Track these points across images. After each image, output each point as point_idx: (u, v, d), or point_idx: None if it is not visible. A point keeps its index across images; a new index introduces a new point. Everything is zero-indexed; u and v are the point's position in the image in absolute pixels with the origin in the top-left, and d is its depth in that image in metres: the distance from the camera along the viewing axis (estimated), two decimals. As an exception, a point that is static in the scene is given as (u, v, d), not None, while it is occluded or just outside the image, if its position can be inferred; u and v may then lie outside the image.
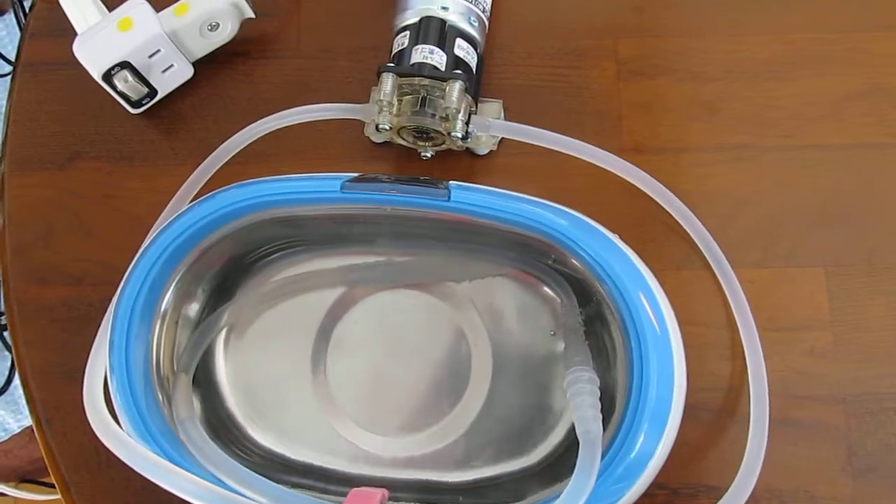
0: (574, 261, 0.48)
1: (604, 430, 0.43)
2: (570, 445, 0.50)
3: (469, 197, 0.47)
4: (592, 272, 0.46)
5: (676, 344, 0.44)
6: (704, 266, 0.54)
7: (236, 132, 0.55)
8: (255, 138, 0.55)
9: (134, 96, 0.57)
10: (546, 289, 0.53)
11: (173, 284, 0.49)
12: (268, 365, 0.53)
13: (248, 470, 0.44)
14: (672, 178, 0.53)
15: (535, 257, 0.51)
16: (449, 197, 0.47)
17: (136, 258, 0.48)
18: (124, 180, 0.59)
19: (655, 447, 0.43)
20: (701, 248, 0.53)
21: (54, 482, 0.55)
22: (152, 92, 0.58)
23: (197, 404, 0.51)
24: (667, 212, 0.53)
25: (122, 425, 0.46)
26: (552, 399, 0.52)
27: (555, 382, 0.52)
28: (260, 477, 0.43)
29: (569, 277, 0.50)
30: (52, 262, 0.58)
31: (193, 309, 0.52)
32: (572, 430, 0.48)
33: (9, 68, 0.65)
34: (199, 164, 0.55)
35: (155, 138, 0.60)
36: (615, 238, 0.47)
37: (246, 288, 0.54)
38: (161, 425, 0.46)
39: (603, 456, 0.42)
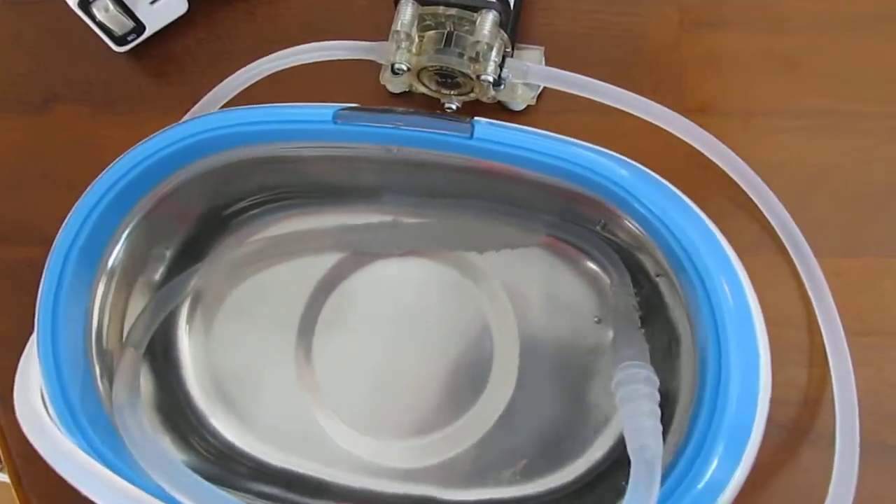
0: (631, 226, 0.36)
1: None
2: (616, 463, 0.40)
3: (497, 134, 0.35)
4: (658, 242, 0.34)
5: (763, 344, 0.34)
6: (780, 251, 0.44)
7: (233, 77, 0.47)
8: (252, 82, 0.46)
9: (117, 30, 0.49)
10: (591, 263, 0.42)
11: (124, 235, 0.39)
12: (241, 344, 0.44)
13: (192, 474, 0.33)
14: (742, 146, 0.44)
15: (579, 222, 0.40)
16: (472, 133, 0.35)
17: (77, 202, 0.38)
18: (105, 128, 0.52)
19: (731, 474, 0.33)
20: (776, 229, 0.44)
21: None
22: (139, 27, 0.50)
23: (150, 384, 0.42)
24: (736, 185, 0.44)
25: (48, 408, 0.36)
26: (593, 402, 0.41)
27: (597, 381, 0.42)
28: (208, 486, 0.33)
29: (621, 249, 0.40)
30: (18, 219, 0.50)
31: (155, 271, 0.42)
32: (619, 443, 0.40)
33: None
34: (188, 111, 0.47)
35: (142, 82, 0.52)
36: (688, 199, 0.36)
37: (220, 248, 0.44)
38: (94, 409, 0.36)
39: (662, 481, 0.32)
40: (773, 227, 0.44)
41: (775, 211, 0.44)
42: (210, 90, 0.47)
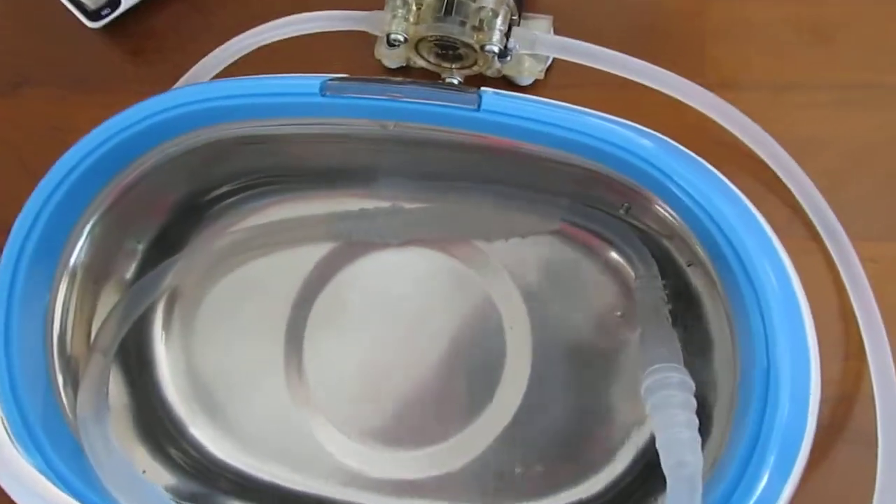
0: (661, 210, 0.32)
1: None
2: (644, 477, 0.36)
3: (508, 105, 0.31)
4: (694, 227, 0.30)
5: (812, 339, 0.30)
6: (812, 237, 0.41)
7: (217, 53, 0.44)
8: (236, 58, 0.43)
9: (90, 4, 0.46)
10: (613, 252, 0.38)
11: (87, 227, 0.34)
12: (224, 346, 0.40)
13: (163, 494, 0.31)
14: (771, 123, 0.41)
15: (600, 206, 0.36)
16: (479, 105, 0.31)
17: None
18: (79, 111, 0.48)
19: (782, 489, 0.28)
20: (808, 212, 0.41)
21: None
22: (114, 1, 0.47)
23: (124, 395, 0.38)
24: (764, 164, 0.41)
25: (3, 423, 0.32)
26: (616, 407, 0.38)
27: (620, 383, 0.38)
28: None
29: (647, 236, 0.36)
30: None
31: (126, 267, 0.38)
32: (646, 452, 0.36)
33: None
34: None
35: (118, 60, 0.49)
36: (724, 177, 0.32)
37: (198, 240, 0.40)
38: (56, 425, 0.32)
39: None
40: (804, 210, 0.41)
41: (807, 192, 0.41)
42: (190, 66, 0.43)
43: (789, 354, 0.28)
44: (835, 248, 0.40)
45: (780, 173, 0.41)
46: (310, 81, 0.32)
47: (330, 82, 0.31)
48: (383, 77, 0.32)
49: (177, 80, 0.44)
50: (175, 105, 0.32)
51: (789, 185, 0.41)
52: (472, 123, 0.31)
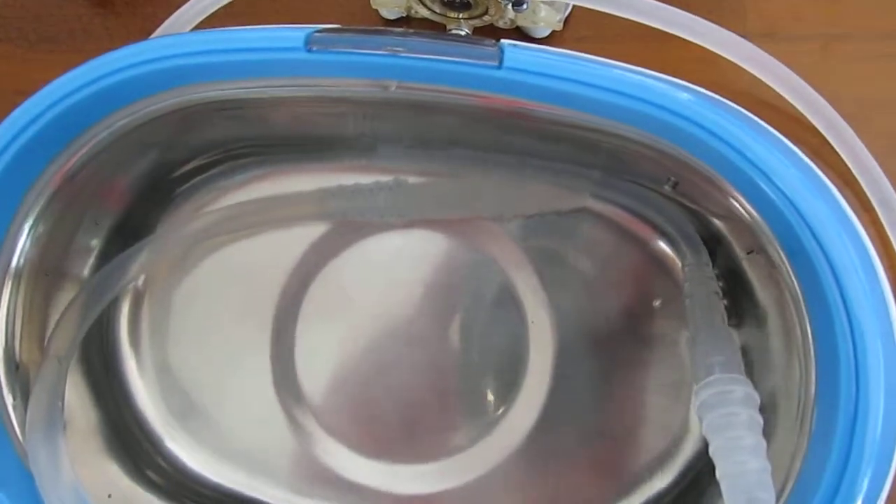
0: (715, 186, 0.26)
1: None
2: (687, 494, 0.31)
3: (535, 61, 0.25)
4: (760, 206, 0.25)
5: None
6: (864, 207, 0.37)
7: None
8: (214, 8, 0.38)
9: None
10: (653, 234, 0.33)
11: (29, 221, 0.29)
12: (201, 345, 0.35)
13: None
14: (819, 78, 0.37)
15: (639, 181, 0.31)
16: (501, 61, 0.25)
17: None
18: (41, 71, 0.40)
19: None
20: (860, 179, 0.37)
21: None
22: None
23: (90, 408, 0.33)
24: (811, 125, 0.37)
25: None
26: (655, 410, 0.33)
27: (659, 385, 0.33)
28: None
29: (696, 217, 0.31)
30: None
31: (84, 261, 0.33)
32: (694, 467, 0.31)
33: None
34: None
35: (83, 13, 0.43)
36: (794, 146, 0.26)
37: (168, 222, 0.35)
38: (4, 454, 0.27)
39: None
40: (858, 181, 0.37)
41: (859, 157, 0.37)
42: (165, 20, 0.38)
43: (880, 360, 0.23)
44: (889, 221, 0.36)
45: (829, 137, 0.37)
46: (292, 33, 0.26)
47: (317, 34, 0.26)
48: (381, 28, 0.26)
49: (148, 33, 0.38)
50: (130, 64, 0.26)
51: (840, 151, 0.37)
52: (493, 84, 0.26)
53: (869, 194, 0.37)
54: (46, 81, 0.41)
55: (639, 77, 0.26)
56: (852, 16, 0.40)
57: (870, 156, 0.37)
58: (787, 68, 0.37)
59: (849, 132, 0.37)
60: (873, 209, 0.37)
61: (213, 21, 0.39)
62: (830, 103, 0.37)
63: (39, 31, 0.44)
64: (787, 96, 0.37)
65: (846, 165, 0.37)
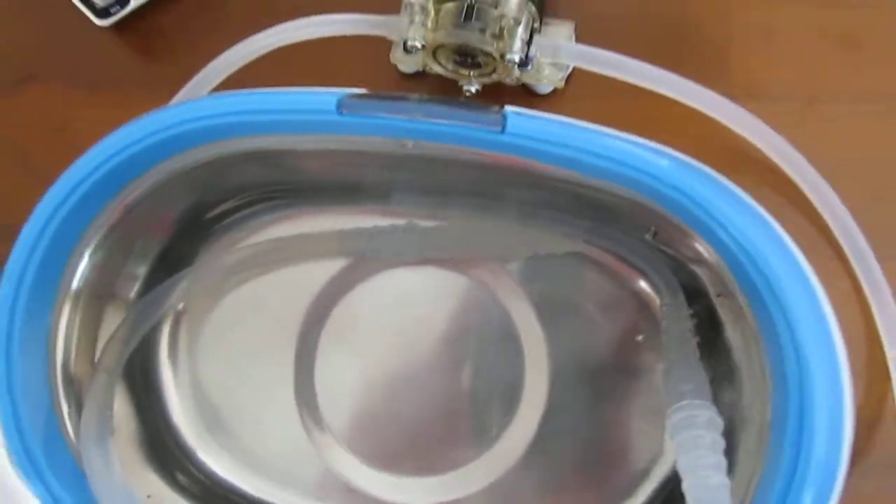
0: (688, 236, 0.31)
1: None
2: None
3: (534, 128, 0.29)
4: (722, 253, 0.29)
5: (846, 374, 0.29)
6: (838, 257, 0.40)
7: (228, 53, 0.44)
8: (248, 60, 0.42)
9: (99, 1, 0.45)
10: (637, 277, 0.37)
11: (90, 249, 0.33)
12: (232, 365, 0.39)
13: None
14: (799, 136, 0.40)
15: (625, 229, 0.35)
16: (504, 127, 0.29)
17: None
18: (84, 110, 0.47)
19: None
20: (835, 232, 0.40)
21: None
22: None
23: (130, 418, 0.37)
24: (790, 180, 0.40)
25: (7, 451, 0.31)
26: (638, 433, 0.37)
27: (642, 408, 0.37)
28: None
29: (674, 262, 0.34)
30: None
31: (131, 286, 0.37)
32: (668, 482, 0.35)
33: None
34: (177, 93, 0.42)
35: (126, 59, 0.47)
36: (755, 202, 0.30)
37: (206, 256, 0.39)
38: (59, 451, 0.31)
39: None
40: (831, 230, 0.40)
41: (834, 210, 0.40)
42: (201, 68, 0.42)
43: (824, 390, 0.27)
44: (862, 270, 0.39)
45: (806, 190, 0.40)
46: (326, 97, 0.30)
47: (347, 100, 0.30)
48: (402, 94, 0.30)
49: (187, 80, 0.42)
50: (183, 120, 0.31)
51: (816, 204, 0.40)
52: (497, 146, 0.30)
53: (843, 245, 0.39)
54: (86, 121, 0.44)
55: (625, 145, 0.30)
56: (830, 78, 0.43)
57: (845, 209, 0.39)
58: (768, 127, 0.39)
59: (825, 187, 0.39)
60: (847, 259, 0.39)
61: (244, 70, 0.42)
62: (809, 160, 0.40)
63: (82, 74, 0.47)
64: (767, 152, 0.39)
65: (821, 215, 0.39)
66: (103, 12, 0.45)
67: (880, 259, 0.39)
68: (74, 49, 0.47)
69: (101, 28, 0.46)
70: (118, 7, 0.45)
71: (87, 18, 0.45)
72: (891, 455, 0.38)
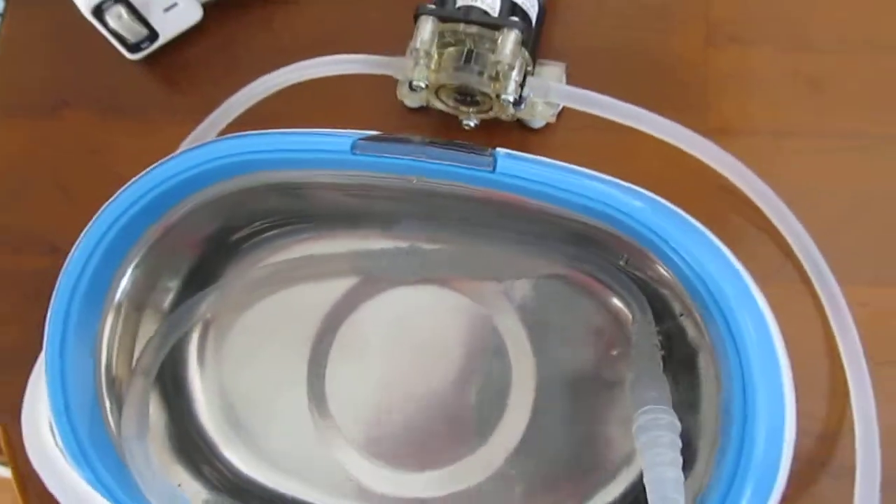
0: (655, 263, 0.34)
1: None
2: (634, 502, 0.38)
3: (520, 168, 0.33)
4: (680, 278, 0.33)
5: (788, 384, 0.32)
6: (803, 280, 0.42)
7: (247, 88, 0.45)
8: (266, 94, 0.45)
9: (130, 38, 0.48)
10: (613, 298, 0.40)
11: (132, 267, 0.37)
12: (253, 370, 0.42)
13: None
14: (767, 168, 0.42)
15: (602, 256, 0.38)
16: (494, 167, 0.33)
17: (82, 233, 0.36)
18: (114, 136, 0.50)
19: None
20: (800, 256, 0.42)
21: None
22: (153, 35, 0.48)
23: (161, 415, 0.40)
24: (759, 210, 0.42)
25: (56, 439, 0.34)
26: (612, 438, 0.39)
27: (616, 415, 0.39)
28: None
29: (644, 285, 0.38)
30: (25, 227, 0.49)
31: (164, 298, 0.40)
32: (638, 482, 0.38)
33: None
34: (201, 122, 0.46)
35: (153, 90, 0.50)
36: (710, 234, 0.34)
37: (231, 273, 0.42)
38: (101, 440, 0.35)
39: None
40: (797, 255, 0.42)
41: (799, 237, 0.42)
42: (222, 100, 0.45)
43: (766, 399, 0.31)
44: (825, 292, 0.42)
45: (774, 219, 0.42)
46: (342, 139, 0.34)
47: (360, 141, 0.34)
48: (408, 137, 0.34)
49: (208, 111, 0.45)
50: (216, 157, 0.35)
51: (783, 231, 0.42)
52: (488, 182, 0.33)
53: (807, 268, 0.42)
54: (115, 145, 0.49)
55: (602, 186, 0.33)
56: (797, 116, 0.45)
57: (808, 236, 0.42)
58: (738, 161, 0.42)
59: (790, 215, 0.42)
60: (810, 281, 0.42)
61: (262, 102, 0.45)
62: (776, 190, 0.42)
63: (114, 102, 0.50)
64: (737, 183, 0.42)
65: (787, 242, 0.42)
66: (134, 47, 0.48)
67: (841, 282, 0.41)
68: (107, 79, 0.50)
69: (131, 61, 0.49)
70: (148, 43, 0.48)
71: (119, 53, 0.48)
72: (848, 465, 0.39)
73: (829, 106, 0.45)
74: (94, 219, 0.36)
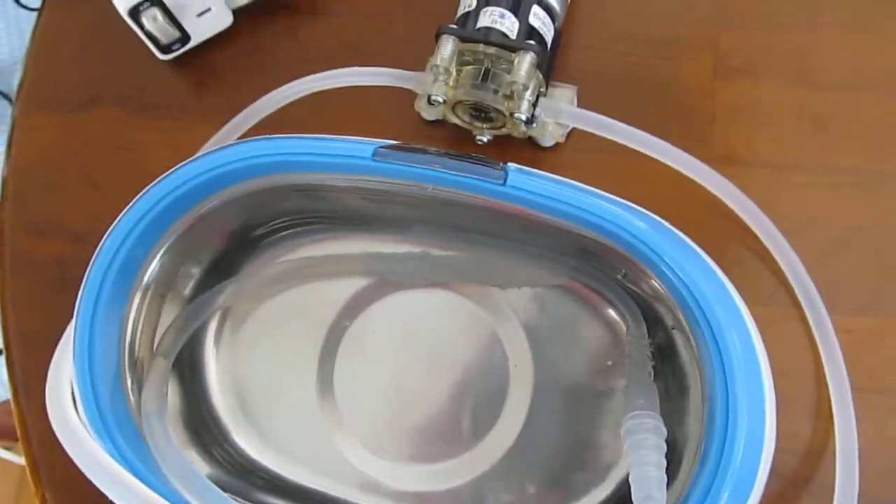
0: (650, 279, 0.37)
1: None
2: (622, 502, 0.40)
3: (529, 183, 0.36)
4: (674, 295, 0.35)
5: (770, 397, 0.34)
6: (794, 305, 0.44)
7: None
8: (290, 100, 0.47)
9: (164, 39, 0.50)
10: (610, 309, 0.42)
11: (160, 253, 0.39)
12: (266, 360, 0.44)
13: (213, 486, 0.35)
14: (767, 199, 0.44)
15: (601, 269, 0.41)
16: (505, 180, 0.36)
17: (117, 219, 0.39)
18: (142, 133, 0.52)
19: None
20: (793, 283, 0.44)
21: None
22: (184, 37, 0.51)
23: (178, 396, 0.42)
24: (756, 236, 0.44)
25: (79, 411, 0.37)
26: (602, 442, 0.41)
27: (607, 422, 0.42)
28: (224, 496, 0.34)
29: (639, 299, 0.40)
30: (52, 214, 0.51)
31: (186, 285, 0.43)
32: (625, 485, 0.38)
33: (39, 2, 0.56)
34: (226, 123, 0.47)
35: (182, 90, 0.53)
36: (706, 255, 0.36)
37: (250, 267, 0.44)
38: (122, 415, 0.37)
39: (665, 531, 0.32)
40: (790, 282, 0.44)
41: (792, 265, 0.44)
42: (247, 103, 0.47)
43: (747, 411, 0.33)
44: (814, 318, 0.43)
45: (770, 247, 0.44)
46: (364, 146, 0.36)
47: (381, 149, 0.36)
48: (426, 147, 0.36)
49: (233, 112, 0.47)
50: (244, 157, 0.37)
51: (777, 259, 0.44)
52: (498, 194, 0.36)
53: (798, 295, 0.44)
54: (144, 141, 0.51)
55: (607, 204, 0.36)
56: (799, 150, 0.47)
57: (800, 262, 0.43)
58: (739, 190, 0.44)
59: (785, 244, 0.44)
60: (801, 307, 0.43)
61: (286, 107, 0.47)
62: (773, 220, 0.44)
63: (143, 100, 0.52)
64: (737, 211, 0.44)
65: (781, 268, 0.44)
66: (166, 48, 0.50)
67: (830, 311, 0.43)
68: (138, 78, 0.52)
69: (162, 62, 0.51)
70: (179, 45, 0.50)
71: (151, 53, 0.50)
72: (829, 484, 0.40)
73: (830, 142, 0.47)
74: (130, 204, 0.38)
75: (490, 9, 0.44)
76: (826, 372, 0.43)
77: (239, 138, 0.47)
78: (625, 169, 0.45)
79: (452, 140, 0.49)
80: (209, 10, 0.50)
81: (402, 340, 0.44)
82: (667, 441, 0.36)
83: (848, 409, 0.41)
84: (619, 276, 0.40)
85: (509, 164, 0.37)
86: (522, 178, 0.36)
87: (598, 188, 0.38)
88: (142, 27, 0.49)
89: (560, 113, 0.45)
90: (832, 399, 0.42)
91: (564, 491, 0.41)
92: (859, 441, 0.41)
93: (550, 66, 0.47)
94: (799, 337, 0.44)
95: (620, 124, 0.44)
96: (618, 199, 0.37)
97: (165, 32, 0.49)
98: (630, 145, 0.44)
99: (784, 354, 0.41)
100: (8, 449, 1.02)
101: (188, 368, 0.43)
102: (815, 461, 0.43)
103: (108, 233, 0.38)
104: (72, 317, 0.39)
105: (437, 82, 0.43)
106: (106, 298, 0.37)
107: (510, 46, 0.43)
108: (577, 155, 0.48)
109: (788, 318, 0.44)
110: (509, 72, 0.43)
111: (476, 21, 0.44)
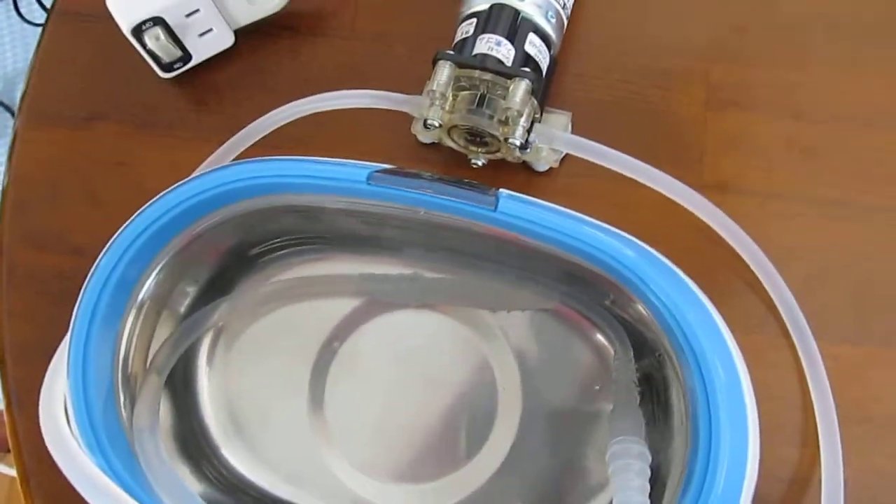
0: (637, 305, 0.38)
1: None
2: None
3: (520, 210, 0.37)
4: (660, 322, 0.36)
5: (753, 425, 0.35)
6: (782, 333, 0.45)
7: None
8: (288, 120, 0.47)
9: (165, 58, 0.51)
10: (598, 334, 0.43)
11: (156, 270, 0.40)
12: (257, 378, 0.45)
13: (202, 503, 0.35)
14: (756, 227, 0.45)
15: (590, 295, 0.42)
16: (496, 206, 0.37)
17: (114, 236, 0.39)
18: (142, 149, 0.52)
19: None
20: (781, 311, 0.44)
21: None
22: (186, 56, 0.51)
23: (169, 413, 0.43)
24: (745, 264, 0.45)
25: (71, 425, 0.37)
26: (588, 466, 0.42)
27: (593, 446, 0.42)
28: None
29: (627, 325, 0.41)
30: (51, 227, 0.51)
31: (181, 302, 0.43)
32: None
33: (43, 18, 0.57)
34: (225, 142, 0.48)
35: (182, 107, 0.53)
36: (692, 284, 0.37)
37: (244, 285, 0.45)
38: (114, 430, 0.38)
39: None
40: (778, 310, 0.45)
41: (781, 293, 0.44)
42: (246, 122, 0.47)
43: (729, 439, 0.34)
44: (802, 346, 0.44)
45: (759, 275, 0.45)
46: (359, 170, 0.37)
47: (376, 173, 0.37)
48: (419, 172, 0.38)
49: (232, 131, 0.48)
50: (241, 178, 0.38)
51: (766, 287, 0.44)
52: (489, 220, 0.37)
53: (787, 322, 0.44)
54: (143, 158, 0.51)
55: (596, 232, 0.36)
56: (788, 181, 0.48)
57: (789, 291, 0.44)
58: (729, 218, 0.44)
59: (774, 272, 0.44)
60: (790, 335, 0.44)
61: (283, 129, 0.47)
62: (762, 248, 0.44)
63: (145, 117, 0.52)
64: (727, 239, 0.44)
65: (770, 297, 0.44)
66: (167, 67, 0.51)
67: (817, 338, 0.44)
68: (139, 95, 0.53)
69: (163, 80, 0.52)
70: (181, 63, 0.51)
71: (153, 71, 0.51)
72: None
73: (818, 173, 0.48)
74: (127, 222, 0.39)
75: (487, 36, 0.45)
76: (813, 400, 0.43)
77: (237, 157, 0.47)
78: (617, 194, 0.46)
79: (448, 163, 0.49)
80: (211, 30, 0.50)
81: (392, 361, 0.45)
82: (651, 466, 0.36)
83: (834, 437, 0.42)
84: (607, 302, 0.41)
85: (501, 190, 0.38)
86: (513, 205, 0.37)
87: (590, 213, 0.38)
88: (144, 46, 0.49)
89: (554, 139, 0.45)
90: (819, 428, 0.43)
91: (550, 512, 0.41)
92: (845, 471, 0.41)
93: (545, 93, 0.48)
94: (787, 365, 0.45)
95: (613, 151, 0.44)
96: (607, 226, 0.38)
97: (167, 51, 0.50)
98: (623, 172, 0.45)
99: (771, 381, 0.44)
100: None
101: (181, 385, 0.44)
102: (802, 489, 0.43)
103: (105, 249, 0.39)
104: (67, 330, 0.39)
105: (434, 107, 0.44)
106: (101, 314, 0.37)
107: (506, 73, 0.44)
108: (570, 180, 0.49)
109: (777, 347, 0.45)
110: (505, 97, 0.44)
111: (473, 47, 0.45)
